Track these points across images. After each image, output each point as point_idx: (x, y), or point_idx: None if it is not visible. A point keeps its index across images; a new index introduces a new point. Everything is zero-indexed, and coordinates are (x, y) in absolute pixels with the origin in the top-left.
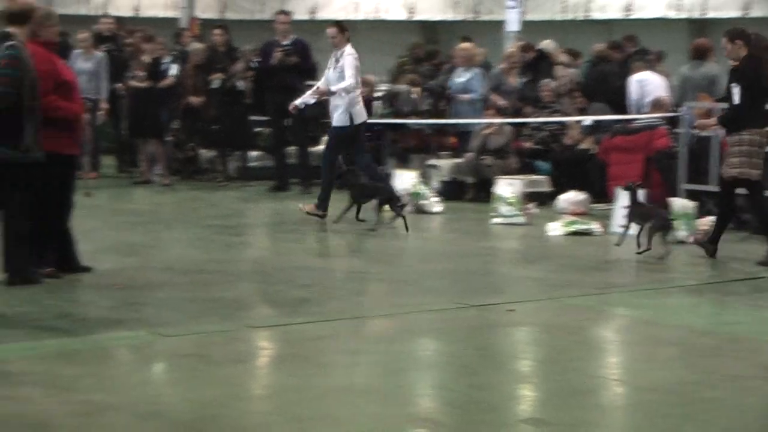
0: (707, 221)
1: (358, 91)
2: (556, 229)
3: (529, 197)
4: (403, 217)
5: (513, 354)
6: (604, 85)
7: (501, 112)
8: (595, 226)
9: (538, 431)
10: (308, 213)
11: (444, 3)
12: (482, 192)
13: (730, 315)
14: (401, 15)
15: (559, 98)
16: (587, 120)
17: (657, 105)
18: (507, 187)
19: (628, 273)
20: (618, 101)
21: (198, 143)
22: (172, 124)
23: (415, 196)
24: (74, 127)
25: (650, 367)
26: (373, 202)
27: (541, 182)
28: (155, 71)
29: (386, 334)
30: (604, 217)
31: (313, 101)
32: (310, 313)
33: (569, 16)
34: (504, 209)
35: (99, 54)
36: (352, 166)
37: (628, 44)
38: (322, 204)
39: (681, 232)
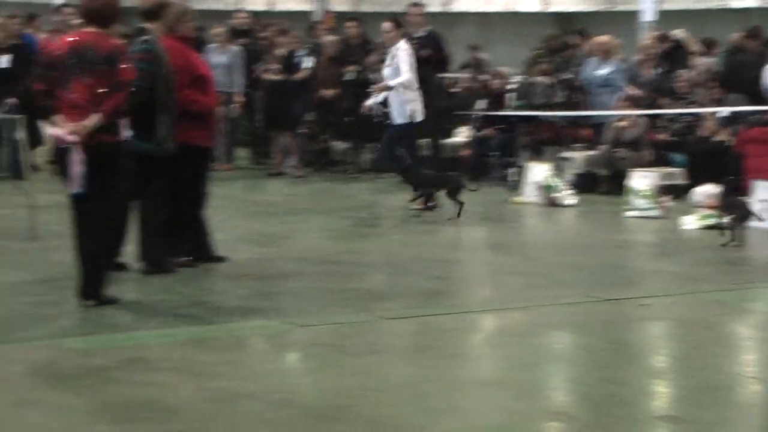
0: None
1: (416, 87)
2: (691, 222)
3: (664, 190)
4: (461, 205)
5: (647, 349)
6: (741, 75)
7: (636, 103)
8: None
9: (673, 428)
10: (416, 209)
11: None
12: (616, 185)
13: None
14: (535, 7)
15: (694, 89)
16: (724, 111)
17: None
18: (641, 180)
19: (766, 268)
20: (756, 92)
21: (331, 135)
22: (305, 117)
23: (548, 188)
24: (209, 120)
25: None
26: (438, 192)
27: (676, 175)
28: (289, 64)
29: (519, 327)
30: None
31: (381, 99)
32: (443, 304)
33: (705, 5)
34: (638, 202)
35: (234, 48)
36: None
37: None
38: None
39: None
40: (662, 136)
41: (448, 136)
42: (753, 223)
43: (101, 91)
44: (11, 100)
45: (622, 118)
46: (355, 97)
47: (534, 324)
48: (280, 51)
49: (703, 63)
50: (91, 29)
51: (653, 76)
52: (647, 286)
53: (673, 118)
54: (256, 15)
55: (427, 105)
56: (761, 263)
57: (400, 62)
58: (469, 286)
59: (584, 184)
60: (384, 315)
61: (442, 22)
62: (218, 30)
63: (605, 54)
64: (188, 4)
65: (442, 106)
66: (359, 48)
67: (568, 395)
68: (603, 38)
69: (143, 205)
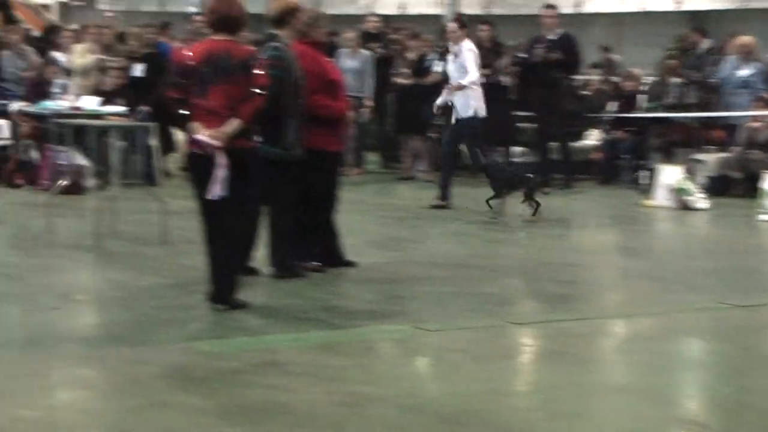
0: None
1: (479, 84)
2: None
3: None
4: (538, 205)
5: None
6: None
7: None
8: None
9: None
10: (432, 206)
11: None
12: (749, 188)
13: None
14: (668, 6)
15: None
16: None
17: None
18: None
19: None
20: None
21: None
22: (435, 121)
23: (680, 191)
24: (339, 124)
25: None
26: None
27: None
28: (420, 68)
29: (651, 332)
30: None
31: (450, 99)
32: (573, 309)
33: None
34: None
35: (365, 52)
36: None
37: None
38: (445, 192)
39: None
40: None
41: (578, 139)
42: None
43: (238, 97)
44: (145, 108)
45: (755, 119)
46: (486, 100)
47: (666, 330)
48: (411, 55)
49: None
50: (221, 37)
51: None
52: None
53: None
54: (387, 19)
55: (556, 108)
56: None
57: (466, 61)
58: (599, 291)
59: (717, 187)
60: (513, 320)
61: (575, 24)
62: (350, 34)
63: (747, 55)
64: (320, 10)
65: (571, 109)
66: (490, 51)
67: (701, 403)
68: (746, 39)
69: (272, 209)
